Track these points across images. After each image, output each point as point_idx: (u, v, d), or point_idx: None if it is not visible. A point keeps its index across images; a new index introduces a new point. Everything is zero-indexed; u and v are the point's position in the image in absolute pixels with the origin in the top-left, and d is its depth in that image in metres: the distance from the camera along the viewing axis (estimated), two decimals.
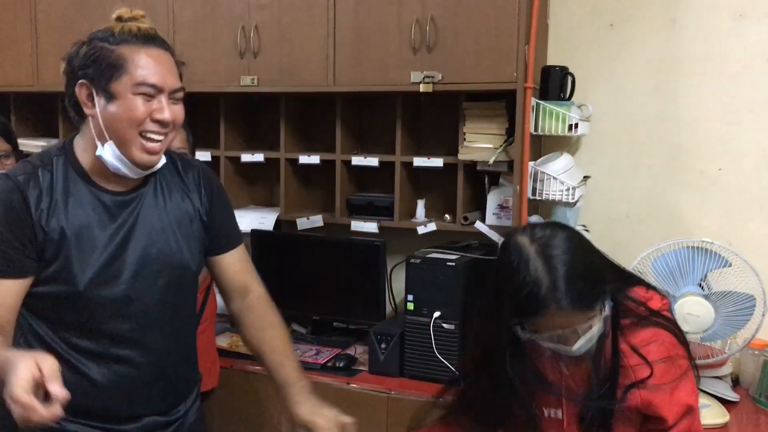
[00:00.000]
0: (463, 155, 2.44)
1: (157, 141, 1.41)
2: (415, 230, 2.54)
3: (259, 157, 2.77)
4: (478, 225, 2.44)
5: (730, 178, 2.39)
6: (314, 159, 2.68)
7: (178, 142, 2.24)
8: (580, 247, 1.38)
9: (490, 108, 2.41)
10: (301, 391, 1.61)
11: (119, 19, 1.44)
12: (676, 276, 2.03)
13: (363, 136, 2.82)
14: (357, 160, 2.61)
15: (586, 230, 2.51)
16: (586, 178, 2.45)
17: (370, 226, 2.59)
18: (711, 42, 2.38)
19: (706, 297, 2.00)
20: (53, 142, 2.95)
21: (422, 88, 2.34)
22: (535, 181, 2.30)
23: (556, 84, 2.38)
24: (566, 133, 2.32)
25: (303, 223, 2.73)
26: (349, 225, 2.62)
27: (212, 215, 1.59)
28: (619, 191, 2.52)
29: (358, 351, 2.55)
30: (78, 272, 1.40)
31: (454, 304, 2.26)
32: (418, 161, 2.51)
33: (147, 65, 1.38)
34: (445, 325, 2.27)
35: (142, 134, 1.39)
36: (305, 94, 2.66)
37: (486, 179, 2.54)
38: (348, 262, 2.68)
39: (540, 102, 2.31)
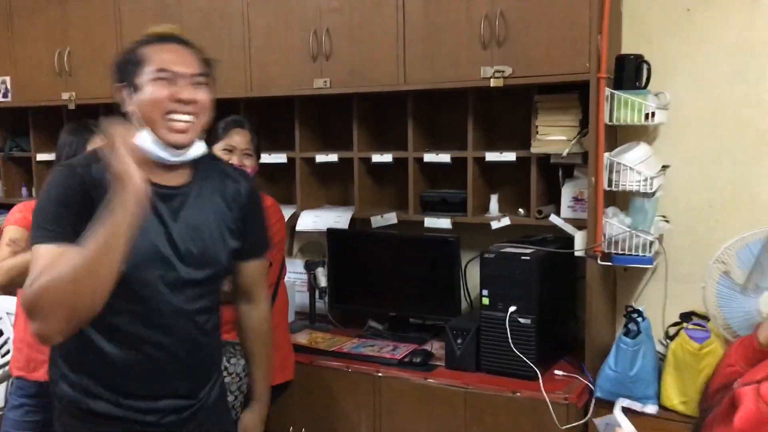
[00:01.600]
0: (536, 148, 2.42)
1: (183, 121, 1.52)
2: (489, 225, 2.54)
3: (333, 157, 2.83)
4: (553, 218, 2.42)
5: None
6: (387, 157, 2.72)
7: (243, 143, 2.29)
8: None
9: (563, 100, 2.38)
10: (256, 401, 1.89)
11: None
12: (765, 266, 1.95)
13: (435, 133, 2.84)
14: (429, 157, 2.63)
15: (666, 221, 2.46)
16: (665, 167, 2.39)
17: (444, 222, 2.60)
18: None
19: None
20: None
21: (493, 83, 2.34)
22: (611, 172, 2.26)
23: (631, 72, 2.33)
24: (642, 122, 2.27)
25: (377, 220, 2.77)
26: (423, 222, 2.65)
27: (245, 226, 1.70)
28: (700, 180, 2.45)
29: (435, 347, 2.56)
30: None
31: (530, 298, 2.25)
32: (491, 156, 2.51)
33: (163, 56, 1.52)
34: (521, 320, 2.25)
35: (166, 115, 1.50)
36: (377, 94, 2.70)
37: (560, 172, 2.51)
38: (422, 259, 2.70)
39: (614, 92, 2.27)
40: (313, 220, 2.88)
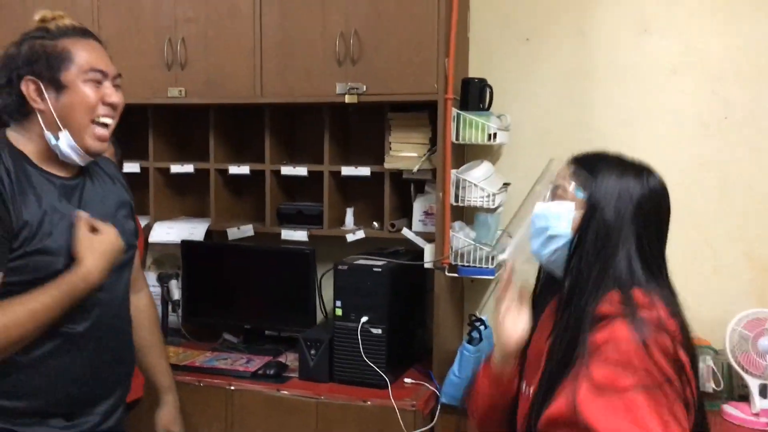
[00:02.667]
0: (389, 164, 2.51)
1: (107, 126, 1.50)
2: (345, 238, 2.60)
3: (188, 168, 2.78)
4: (405, 232, 2.52)
5: None
6: (244, 169, 2.71)
7: (107, 155, 2.25)
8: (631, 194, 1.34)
9: (414, 118, 2.49)
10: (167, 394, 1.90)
11: (43, 20, 1.50)
12: None
13: (292, 146, 2.87)
14: (286, 170, 2.66)
15: (509, 236, 2.62)
16: (506, 184, 2.55)
17: (300, 235, 2.64)
18: (618, 54, 2.53)
19: None
20: None
21: (347, 99, 2.41)
22: (457, 188, 2.39)
23: (475, 95, 2.48)
24: (486, 141, 2.42)
25: (233, 233, 2.75)
26: (280, 234, 2.66)
27: (132, 208, 1.72)
28: None
29: (290, 358, 2.58)
30: (56, 255, 1.44)
31: (381, 309, 2.32)
32: (346, 170, 2.58)
33: (90, 53, 1.46)
34: (372, 330, 2.32)
35: (94, 121, 1.47)
36: (233, 106, 2.69)
37: (411, 187, 2.62)
38: (278, 271, 2.71)
39: (460, 112, 2.41)
40: (167, 232, 2.81)
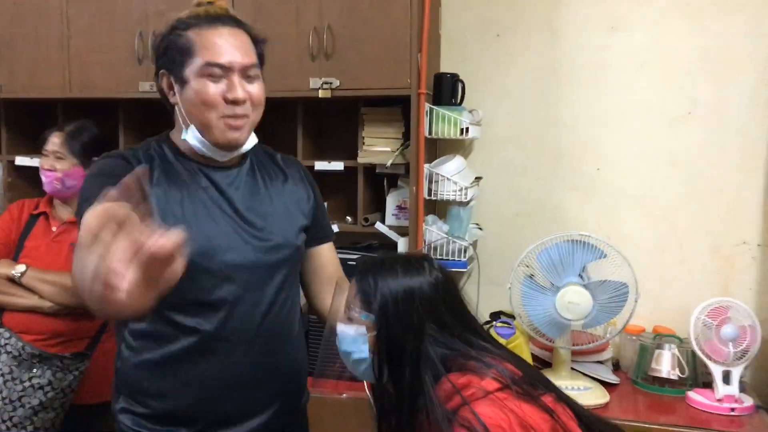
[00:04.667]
0: (363, 159, 2.53)
1: (239, 117, 1.40)
2: None
3: None
4: (378, 226, 2.54)
5: (607, 178, 2.60)
6: None
7: (55, 146, 2.29)
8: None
9: (387, 113, 2.51)
10: None
11: (199, 4, 1.44)
12: (558, 268, 2.19)
13: (265, 141, 2.84)
14: None
15: (480, 228, 2.67)
16: (478, 179, 2.59)
17: None
18: (588, 52, 2.58)
19: (585, 286, 2.16)
20: None
21: (321, 93, 2.42)
22: (430, 182, 2.42)
23: (448, 90, 2.51)
24: (458, 136, 2.46)
25: None
26: None
27: (315, 206, 1.63)
28: (508, 191, 2.69)
29: None
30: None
31: None
32: (320, 165, 2.58)
33: (212, 45, 1.36)
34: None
35: (220, 119, 1.39)
36: None
37: (385, 181, 2.64)
38: None
39: (433, 107, 2.44)
40: None
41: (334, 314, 1.42)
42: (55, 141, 2.27)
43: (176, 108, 1.43)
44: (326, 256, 1.66)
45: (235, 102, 1.38)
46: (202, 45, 1.36)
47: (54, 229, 2.29)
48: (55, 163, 2.25)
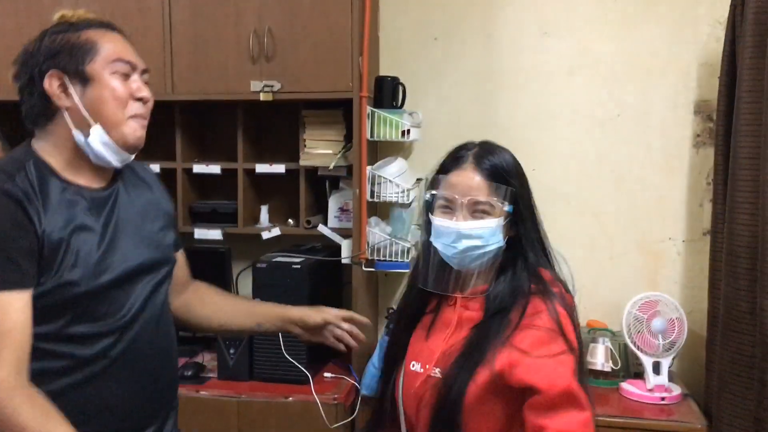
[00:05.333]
0: (305, 161, 2.53)
1: (144, 117, 1.39)
2: (260, 236, 2.60)
3: None
4: (321, 228, 2.55)
5: (541, 178, 2.66)
6: (154, 167, 2.63)
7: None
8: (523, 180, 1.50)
9: (328, 116, 2.52)
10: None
11: (63, 18, 1.38)
12: None
13: (204, 143, 2.83)
14: (198, 168, 2.62)
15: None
16: (419, 180, 2.63)
17: (214, 234, 2.61)
18: (521, 56, 2.66)
19: None
20: None
21: (262, 97, 2.41)
22: (372, 184, 2.45)
23: (388, 93, 2.54)
24: (399, 138, 2.50)
25: None
26: (193, 233, 2.62)
27: (172, 212, 1.59)
28: None
29: (206, 358, 2.55)
30: (78, 274, 1.30)
31: (302, 305, 2.32)
32: (261, 168, 2.57)
33: (116, 44, 1.35)
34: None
35: (131, 116, 1.36)
36: None
37: (327, 184, 2.65)
38: (193, 270, 2.63)
39: (374, 110, 2.46)
40: None
41: None
42: None
43: (62, 116, 1.34)
44: (181, 261, 1.67)
45: (142, 100, 1.37)
46: (104, 43, 1.34)
47: None
48: None
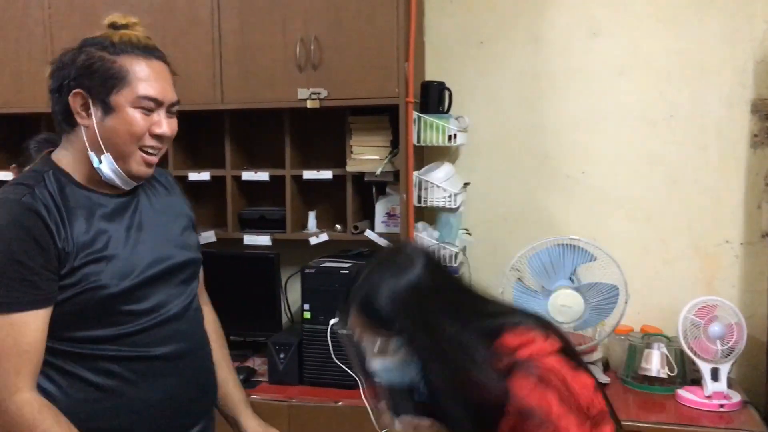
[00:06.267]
0: (351, 167, 2.54)
1: (155, 154, 1.40)
2: (308, 241, 2.61)
3: None
4: (368, 233, 2.55)
5: (591, 181, 2.64)
6: (204, 175, 2.70)
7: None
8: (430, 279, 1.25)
9: (375, 122, 2.53)
10: (247, 407, 1.69)
11: (113, 26, 1.39)
12: (549, 272, 2.22)
13: (252, 151, 2.86)
14: (247, 175, 2.66)
15: (468, 233, 2.69)
16: (466, 184, 2.62)
17: (263, 240, 2.64)
18: (570, 58, 2.62)
19: (576, 289, 2.20)
20: None
21: (309, 104, 2.43)
22: (419, 189, 2.45)
23: (435, 98, 2.54)
24: (446, 143, 2.49)
25: None
26: (242, 239, 2.66)
27: (192, 216, 1.62)
28: (496, 196, 2.72)
29: (257, 363, 2.59)
30: (106, 277, 1.34)
31: None
32: (308, 174, 2.59)
33: (148, 78, 1.35)
34: (342, 331, 2.34)
35: (141, 149, 1.37)
36: (193, 112, 2.67)
37: (373, 189, 2.65)
38: (242, 276, 2.71)
39: (421, 115, 2.46)
40: None
41: None
42: None
43: (80, 130, 1.37)
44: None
45: (159, 137, 1.39)
46: (136, 76, 1.34)
47: None
48: None
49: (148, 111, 1.36)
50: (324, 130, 2.77)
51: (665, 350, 2.35)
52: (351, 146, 2.55)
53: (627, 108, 2.59)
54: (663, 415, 2.19)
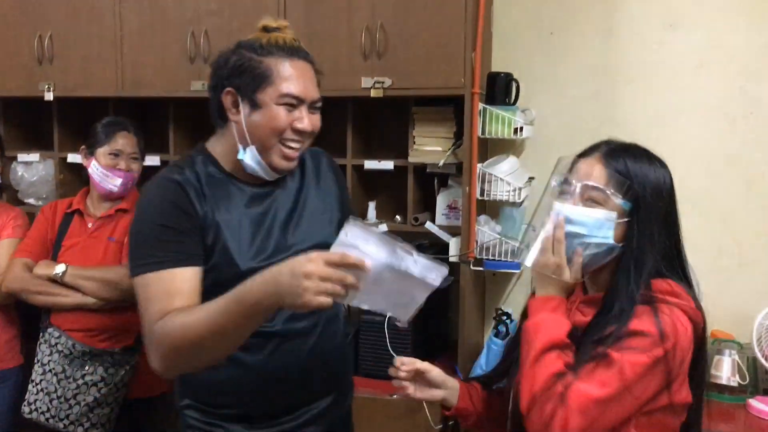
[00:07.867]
0: (414, 158, 2.51)
1: (296, 148, 1.48)
2: None
3: None
4: (429, 225, 2.52)
5: None
6: None
7: (129, 146, 2.28)
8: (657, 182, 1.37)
9: (439, 112, 2.49)
10: None
11: (265, 29, 1.51)
12: None
13: (315, 139, 2.85)
14: None
15: (533, 230, 2.62)
16: (531, 179, 2.55)
17: None
18: (644, 50, 2.52)
19: None
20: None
21: (373, 93, 2.40)
22: (482, 182, 2.39)
23: (501, 89, 2.47)
24: (512, 136, 2.43)
25: None
26: None
27: (344, 200, 1.69)
28: None
29: None
30: (236, 255, 1.44)
31: None
32: (369, 164, 2.57)
33: (291, 77, 1.45)
34: (398, 323, 2.32)
35: (282, 142, 1.46)
36: None
37: (435, 181, 2.61)
38: None
39: (486, 106, 2.41)
40: None
41: None
42: (127, 141, 2.28)
43: (232, 125, 1.48)
44: None
45: (300, 132, 1.47)
46: (280, 75, 1.44)
47: (90, 225, 2.30)
48: (131, 164, 2.28)
49: (291, 107, 1.45)
50: (386, 120, 2.75)
51: (737, 357, 2.25)
52: (414, 137, 2.52)
53: (704, 104, 2.48)
54: (732, 425, 2.10)
